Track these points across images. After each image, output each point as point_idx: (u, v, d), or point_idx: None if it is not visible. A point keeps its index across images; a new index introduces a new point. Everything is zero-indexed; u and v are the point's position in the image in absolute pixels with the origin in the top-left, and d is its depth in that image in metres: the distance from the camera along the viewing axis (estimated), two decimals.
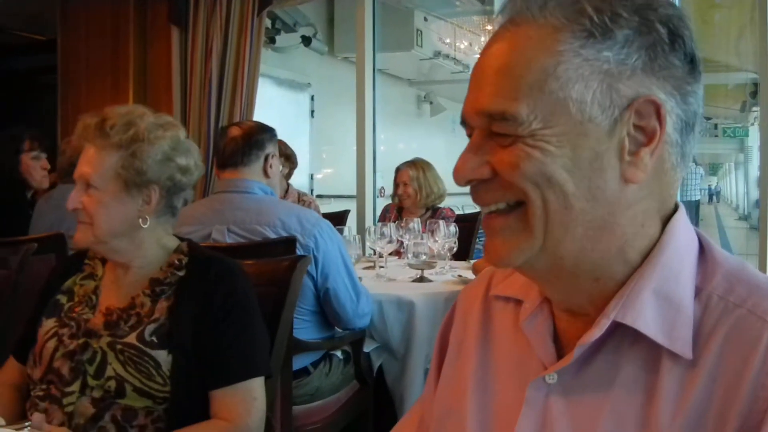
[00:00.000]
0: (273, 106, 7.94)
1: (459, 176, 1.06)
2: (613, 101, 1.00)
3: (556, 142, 1.00)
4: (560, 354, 1.13)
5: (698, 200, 18.70)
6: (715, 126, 24.31)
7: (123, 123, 2.16)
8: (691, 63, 1.04)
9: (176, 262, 2.19)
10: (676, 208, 1.10)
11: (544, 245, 1.04)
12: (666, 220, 1.08)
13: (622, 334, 1.05)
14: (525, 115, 1.00)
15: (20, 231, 4.44)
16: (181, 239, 2.29)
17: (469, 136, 1.09)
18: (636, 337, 1.04)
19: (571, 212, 1.01)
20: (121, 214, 2.15)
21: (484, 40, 11.88)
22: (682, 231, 1.08)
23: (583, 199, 1.01)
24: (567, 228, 1.02)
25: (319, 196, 7.96)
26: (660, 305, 1.03)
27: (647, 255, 1.06)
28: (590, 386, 1.07)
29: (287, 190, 5.73)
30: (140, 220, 2.18)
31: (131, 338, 2.04)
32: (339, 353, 3.68)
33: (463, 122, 1.10)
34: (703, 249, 1.10)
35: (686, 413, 0.98)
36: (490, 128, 1.05)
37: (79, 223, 2.14)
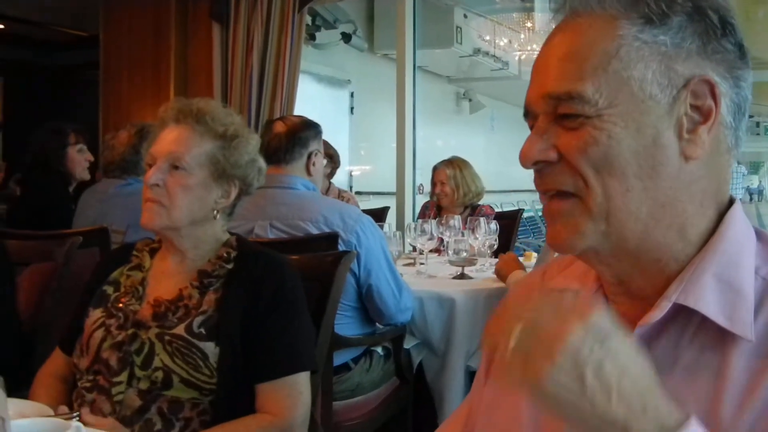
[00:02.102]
0: (313, 102, 7.96)
1: (526, 158, 1.09)
2: (671, 80, 1.05)
3: (621, 122, 1.04)
4: None
5: (739, 199, 18.51)
6: (757, 124, 24.06)
7: (223, 115, 2.23)
8: (740, 50, 1.09)
9: (225, 255, 2.20)
10: (731, 202, 1.13)
11: (607, 229, 1.07)
12: (722, 209, 1.11)
13: (683, 319, 1.06)
14: (591, 94, 1.04)
15: (63, 224, 4.48)
16: (230, 233, 2.31)
17: (531, 127, 1.12)
18: (698, 322, 1.05)
19: (633, 193, 1.05)
20: (202, 202, 2.19)
21: (523, 37, 11.85)
22: (740, 221, 1.11)
23: (646, 177, 1.05)
24: (630, 210, 1.06)
25: (357, 193, 7.95)
26: (721, 289, 1.05)
27: (707, 240, 1.09)
28: None
29: (328, 188, 5.74)
30: (214, 212, 2.22)
31: (179, 329, 2.05)
32: (380, 349, 3.68)
33: (526, 113, 1.14)
34: (761, 238, 1.12)
35: (754, 398, 0.98)
36: (555, 112, 1.08)
37: (152, 202, 2.14)
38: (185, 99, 2.28)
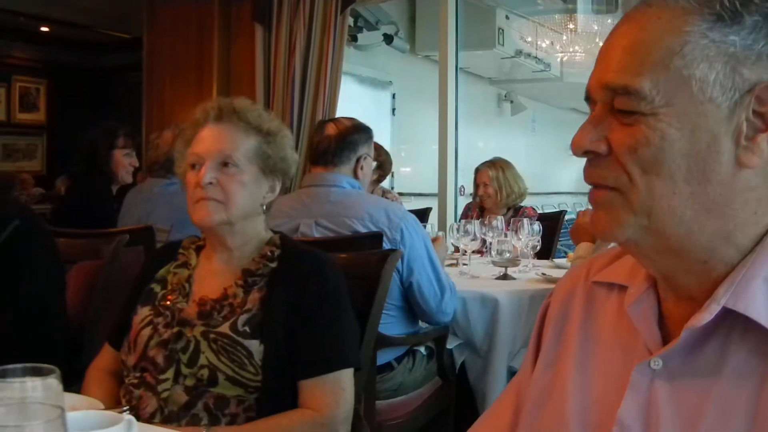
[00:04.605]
0: (355, 103, 7.96)
1: (576, 147, 1.09)
2: (735, 84, 1.00)
3: (677, 123, 1.01)
4: (666, 340, 1.12)
5: None
6: None
7: (261, 112, 2.27)
8: None
9: (268, 253, 2.21)
10: None
11: (648, 225, 1.05)
12: None
13: (732, 321, 1.04)
14: (648, 90, 1.02)
15: (105, 223, 4.52)
16: (274, 232, 2.32)
17: (591, 111, 1.11)
18: (747, 325, 1.02)
19: (679, 197, 1.02)
20: (254, 197, 2.22)
21: (565, 38, 11.77)
22: None
23: (695, 182, 1.02)
24: (674, 211, 1.03)
25: (399, 194, 7.96)
26: None
27: (759, 241, 1.05)
28: (697, 373, 1.06)
29: (372, 191, 5.73)
30: (262, 207, 2.26)
31: (224, 328, 2.06)
32: (422, 349, 3.67)
33: (587, 98, 1.12)
34: None
35: None
36: (612, 103, 1.06)
37: (207, 200, 2.15)
38: (222, 99, 2.30)
